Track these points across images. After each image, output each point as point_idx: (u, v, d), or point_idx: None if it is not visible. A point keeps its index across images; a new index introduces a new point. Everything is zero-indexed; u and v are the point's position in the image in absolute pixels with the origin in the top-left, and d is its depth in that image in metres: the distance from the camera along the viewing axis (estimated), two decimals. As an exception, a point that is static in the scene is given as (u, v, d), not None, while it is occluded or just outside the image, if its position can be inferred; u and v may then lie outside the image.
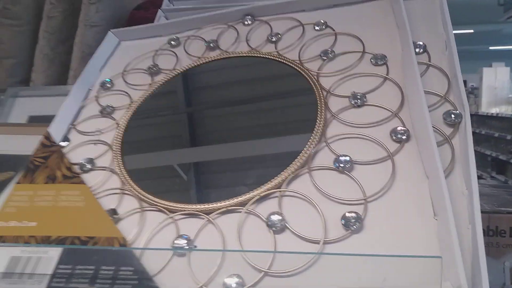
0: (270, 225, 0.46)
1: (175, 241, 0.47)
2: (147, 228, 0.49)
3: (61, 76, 1.01)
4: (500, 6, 6.53)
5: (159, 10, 0.87)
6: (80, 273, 0.44)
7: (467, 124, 0.48)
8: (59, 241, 0.48)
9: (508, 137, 4.75)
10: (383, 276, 0.38)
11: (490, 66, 5.77)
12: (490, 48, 8.73)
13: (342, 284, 0.39)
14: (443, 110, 0.52)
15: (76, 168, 0.57)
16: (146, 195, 0.52)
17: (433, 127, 0.47)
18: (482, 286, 0.37)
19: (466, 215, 0.43)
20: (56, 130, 0.62)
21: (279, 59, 0.63)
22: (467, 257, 0.40)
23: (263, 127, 0.59)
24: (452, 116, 0.50)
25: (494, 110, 5.28)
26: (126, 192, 0.54)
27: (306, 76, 0.59)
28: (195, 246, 0.47)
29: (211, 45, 0.70)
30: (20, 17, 1.02)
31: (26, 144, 0.68)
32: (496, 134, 5.02)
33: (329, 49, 0.62)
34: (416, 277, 0.38)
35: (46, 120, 0.87)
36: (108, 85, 0.70)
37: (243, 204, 0.48)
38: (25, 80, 1.04)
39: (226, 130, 0.60)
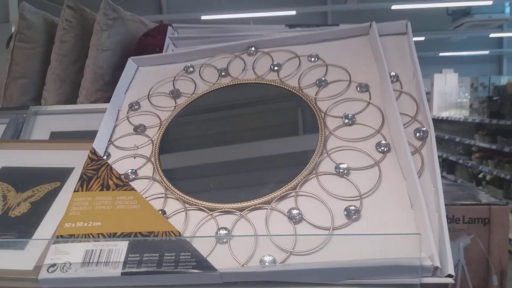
0: (290, 217, 0.61)
1: (219, 232, 0.60)
2: (192, 224, 0.63)
3: (71, 95, 1.12)
4: (449, 16, 6.99)
5: (167, 37, 1.00)
6: (148, 260, 0.57)
7: (432, 138, 0.65)
8: (124, 236, 0.61)
9: (457, 139, 5.12)
10: (381, 249, 0.53)
11: (441, 72, 6.15)
12: (440, 54, 9.26)
13: (349, 257, 0.55)
14: (414, 127, 0.68)
15: (124, 178, 0.70)
16: (188, 197, 0.65)
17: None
18: (447, 255, 0.53)
19: (433, 206, 0.60)
20: (98, 146, 0.74)
21: (283, 86, 0.78)
22: (435, 235, 0.56)
23: (276, 141, 0.74)
24: (421, 132, 0.67)
25: (444, 114, 5.67)
26: (169, 196, 0.67)
27: (307, 101, 0.74)
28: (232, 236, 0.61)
29: (223, 73, 0.84)
30: (33, 41, 1.12)
31: (67, 158, 0.80)
32: (446, 136, 5.39)
33: (323, 78, 0.78)
34: (402, 249, 0.54)
35: (66, 135, 0.99)
36: (136, 106, 0.82)
37: (267, 202, 0.63)
38: (36, 98, 1.14)
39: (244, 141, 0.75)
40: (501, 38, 9.75)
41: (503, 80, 4.72)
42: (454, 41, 9.33)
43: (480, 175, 4.63)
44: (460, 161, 5.11)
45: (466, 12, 6.76)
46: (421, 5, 6.76)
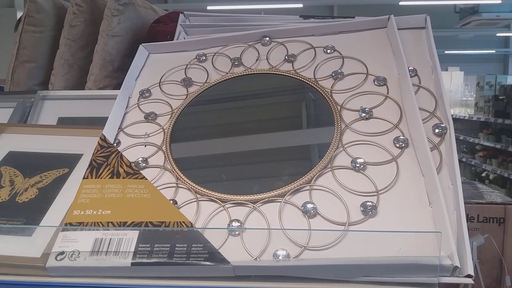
0: (305, 211, 0.59)
1: (231, 224, 0.59)
2: (203, 215, 0.62)
3: (79, 80, 1.10)
4: (456, 14, 6.94)
5: (179, 25, 0.98)
6: (159, 250, 0.56)
7: (451, 135, 0.63)
8: (135, 226, 0.60)
9: (461, 137, 5.10)
10: (399, 246, 0.52)
11: (446, 70, 6.12)
12: (446, 52, 9.20)
13: (365, 254, 0.53)
14: (432, 123, 0.67)
15: (134, 166, 0.68)
16: (200, 188, 0.64)
17: (426, 137, 0.62)
18: (466, 254, 0.52)
19: (451, 204, 0.58)
20: (108, 133, 0.73)
21: (298, 77, 0.76)
22: (453, 234, 0.55)
23: (291, 133, 0.72)
24: (440, 128, 0.65)
25: (449, 112, 5.63)
26: (181, 185, 0.66)
27: (322, 93, 0.73)
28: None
29: (236, 62, 0.82)
30: (42, 24, 1.10)
31: (75, 144, 0.78)
32: (451, 134, 5.35)
33: (339, 70, 0.76)
34: (421, 247, 0.52)
35: (74, 121, 0.97)
36: (147, 94, 0.81)
37: (281, 195, 0.62)
38: (43, 83, 1.13)
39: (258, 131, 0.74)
40: (508, 37, 9.69)
41: (510, 80, 4.69)
42: (460, 39, 9.27)
43: (483, 174, 4.61)
44: (464, 159, 5.09)
45: (474, 10, 6.71)
46: (429, 2, 6.71)
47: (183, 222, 0.60)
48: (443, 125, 0.66)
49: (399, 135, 0.65)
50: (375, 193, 0.60)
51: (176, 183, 0.66)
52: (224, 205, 0.62)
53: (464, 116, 5.00)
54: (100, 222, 0.61)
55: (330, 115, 0.70)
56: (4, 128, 0.83)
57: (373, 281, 0.52)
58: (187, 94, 0.79)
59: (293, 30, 0.85)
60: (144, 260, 0.55)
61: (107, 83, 1.05)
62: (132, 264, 0.55)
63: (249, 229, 0.59)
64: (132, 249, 0.56)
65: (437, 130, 0.65)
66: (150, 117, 0.76)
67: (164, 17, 1.07)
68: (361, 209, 0.58)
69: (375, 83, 0.73)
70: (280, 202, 0.61)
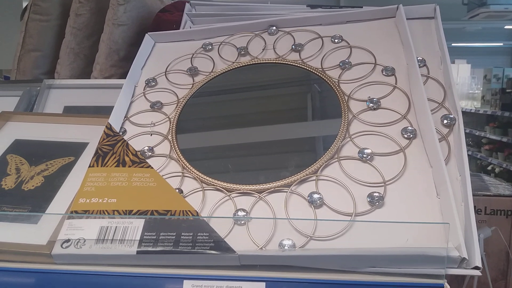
0: (311, 201, 0.59)
1: (237, 213, 0.59)
2: (209, 204, 0.61)
3: (85, 69, 1.10)
4: (464, 6, 6.86)
5: (185, 14, 0.98)
6: (165, 239, 0.56)
7: (460, 126, 0.63)
8: (140, 214, 0.59)
9: (467, 130, 5.06)
10: (406, 237, 0.52)
11: (453, 62, 6.07)
12: (453, 44, 9.11)
13: (372, 245, 0.53)
14: (440, 114, 0.66)
15: (140, 155, 0.68)
16: (206, 177, 0.63)
17: (434, 128, 0.62)
18: (474, 246, 0.51)
19: (459, 195, 0.57)
20: (114, 122, 0.73)
21: (305, 67, 0.75)
22: (461, 226, 0.54)
23: (297, 124, 0.72)
24: (448, 119, 0.64)
25: (455, 105, 5.58)
26: (186, 175, 0.65)
27: (329, 83, 0.72)
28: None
29: (242, 52, 0.82)
30: (48, 13, 1.09)
31: (81, 133, 0.78)
32: (457, 127, 5.31)
33: (346, 60, 0.75)
34: (428, 238, 0.52)
35: (80, 110, 0.97)
36: (152, 83, 0.80)
37: (287, 185, 0.61)
38: (49, 72, 1.13)
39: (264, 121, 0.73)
40: (516, 30, 9.57)
41: (518, 73, 4.64)
42: (468, 32, 9.17)
43: (489, 167, 4.59)
44: (469, 153, 5.06)
45: (482, 2, 6.62)
46: (437, -7, 6.62)
47: (189, 211, 0.59)
48: (452, 116, 0.65)
49: (407, 126, 0.65)
50: (382, 184, 0.60)
51: (182, 172, 0.65)
52: (230, 195, 0.62)
53: (471, 109, 4.96)
54: (106, 211, 0.61)
55: (337, 105, 0.69)
56: (10, 116, 0.83)
57: (380, 271, 0.52)
58: (193, 84, 0.78)
59: (300, 19, 0.84)
60: (150, 249, 0.55)
61: (113, 72, 1.04)
62: (138, 252, 0.55)
63: (255, 218, 0.58)
64: (138, 238, 0.56)
65: (445, 121, 0.65)
66: (156, 106, 0.76)
67: (170, 6, 1.06)
68: (368, 199, 0.58)
69: (383, 73, 0.73)
70: (286, 192, 0.61)
